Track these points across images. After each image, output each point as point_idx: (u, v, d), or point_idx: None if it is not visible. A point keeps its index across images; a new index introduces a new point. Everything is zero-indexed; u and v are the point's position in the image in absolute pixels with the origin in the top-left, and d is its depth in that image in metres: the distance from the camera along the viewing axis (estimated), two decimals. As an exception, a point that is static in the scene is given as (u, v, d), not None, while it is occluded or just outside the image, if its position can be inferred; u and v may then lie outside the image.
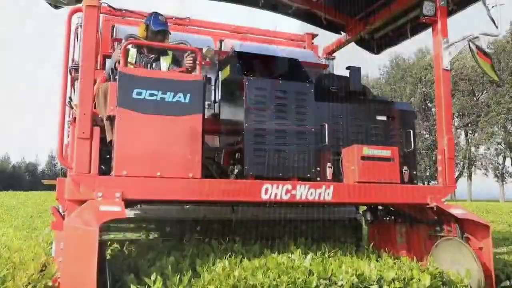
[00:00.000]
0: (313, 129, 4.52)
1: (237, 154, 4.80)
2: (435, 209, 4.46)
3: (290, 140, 4.42)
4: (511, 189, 50.78)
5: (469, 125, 48.32)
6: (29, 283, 3.36)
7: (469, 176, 48.49)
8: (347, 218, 6.10)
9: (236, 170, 4.40)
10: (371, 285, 3.52)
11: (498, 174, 48.07)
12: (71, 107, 4.63)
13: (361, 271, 3.61)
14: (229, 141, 4.85)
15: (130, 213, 5.10)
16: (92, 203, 3.31)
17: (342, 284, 3.44)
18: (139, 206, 5.16)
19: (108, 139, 3.97)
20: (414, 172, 4.97)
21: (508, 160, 47.71)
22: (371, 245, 5.23)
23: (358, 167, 4.36)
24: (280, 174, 4.33)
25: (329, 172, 4.61)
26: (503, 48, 42.13)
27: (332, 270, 3.56)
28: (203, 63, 4.07)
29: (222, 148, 5.13)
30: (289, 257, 3.93)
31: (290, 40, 7.27)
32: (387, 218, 5.27)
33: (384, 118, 4.98)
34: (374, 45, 6.59)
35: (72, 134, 3.97)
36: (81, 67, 3.53)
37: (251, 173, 4.23)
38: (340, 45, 6.82)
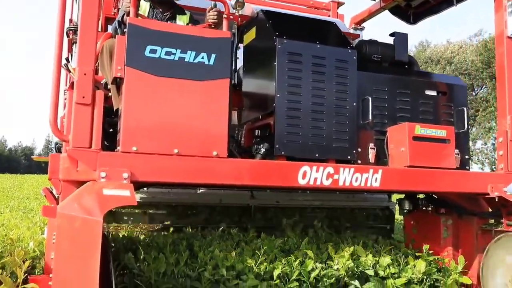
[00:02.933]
0: (354, 104, 3.82)
1: (263, 131, 4.13)
2: (496, 199, 3.79)
3: (328, 115, 3.72)
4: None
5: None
6: (27, 259, 3.17)
7: (466, 171, 48.07)
8: (377, 207, 5.46)
9: (263, 150, 3.72)
10: (367, 269, 3.54)
11: (494, 169, 47.68)
12: (68, 71, 3.90)
13: (357, 256, 3.65)
14: (252, 116, 4.15)
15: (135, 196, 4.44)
16: (93, 185, 2.61)
17: (338, 268, 3.47)
18: (145, 189, 4.49)
19: (115, 107, 3.27)
20: (467, 157, 4.29)
21: (505, 155, 47.22)
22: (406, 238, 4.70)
23: (409, 149, 3.67)
24: (317, 155, 3.64)
25: (371, 154, 3.93)
26: None
27: (328, 254, 3.60)
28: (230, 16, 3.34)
29: (243, 125, 4.44)
30: (286, 241, 3.91)
31: (313, 7, 6.56)
32: (430, 208, 4.61)
33: (434, 93, 4.27)
34: (411, 13, 5.82)
35: (70, 102, 3.26)
36: (82, 13, 2.81)
37: (282, 153, 3.55)
38: (371, 14, 6.05)
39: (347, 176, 3.38)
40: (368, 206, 5.40)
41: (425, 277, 3.73)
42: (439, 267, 4.00)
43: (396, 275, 3.64)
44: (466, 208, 4.23)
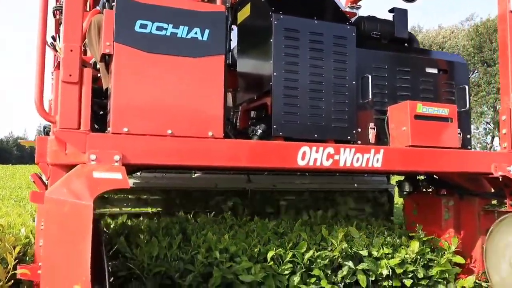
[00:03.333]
0: (354, 82, 3.68)
1: (259, 112, 3.99)
2: (500, 179, 3.69)
3: (327, 94, 3.58)
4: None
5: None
6: (17, 245, 3.06)
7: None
8: (376, 189, 5.36)
9: (259, 131, 3.58)
10: (360, 250, 3.53)
11: (486, 153, 47.68)
12: (55, 50, 3.72)
13: (351, 237, 3.66)
14: (248, 97, 4.00)
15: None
16: (82, 168, 2.47)
17: (331, 249, 3.46)
18: (138, 174, 4.35)
19: (104, 86, 3.11)
20: (468, 136, 4.17)
21: (496, 139, 47.34)
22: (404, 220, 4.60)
23: (410, 128, 3.54)
24: (315, 135, 3.51)
25: (372, 134, 3.80)
26: (494, 29, 40.88)
27: (322, 236, 3.59)
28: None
29: (238, 106, 4.30)
30: (279, 224, 3.89)
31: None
32: (430, 190, 4.51)
33: (434, 71, 4.14)
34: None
35: (56, 82, 3.09)
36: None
37: (280, 133, 3.41)
38: (367, -8, 5.91)
39: (348, 157, 3.26)
40: (367, 188, 5.30)
41: (418, 257, 3.72)
42: (433, 247, 3.97)
43: (390, 256, 3.64)
44: (468, 189, 4.13)
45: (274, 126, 3.41)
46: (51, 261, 2.15)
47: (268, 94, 3.51)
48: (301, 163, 3.11)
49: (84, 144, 2.59)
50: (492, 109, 44.26)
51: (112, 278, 2.48)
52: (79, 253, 2.09)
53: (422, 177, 4.63)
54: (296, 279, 3.31)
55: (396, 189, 5.05)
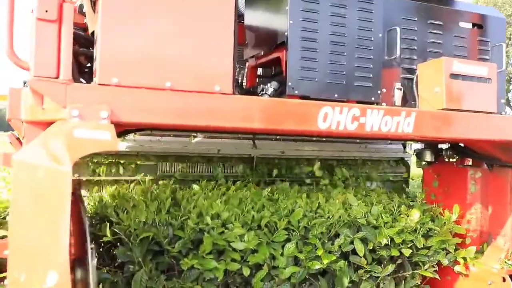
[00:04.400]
0: (380, 35, 3.20)
1: (271, 68, 3.53)
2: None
3: (350, 48, 3.09)
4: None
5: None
6: None
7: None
8: (391, 158, 4.95)
9: (271, 89, 3.12)
10: (359, 218, 3.41)
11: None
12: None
13: (349, 205, 3.54)
14: (258, 51, 3.52)
15: (120, 145, 3.85)
16: (61, 126, 2.01)
17: (328, 217, 3.35)
18: (132, 136, 3.90)
19: (90, 30, 2.62)
20: (502, 101, 3.71)
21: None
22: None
23: (445, 89, 3.09)
24: (336, 95, 3.04)
25: (398, 95, 3.33)
26: (494, 3, 39.53)
27: (319, 203, 3.47)
28: None
29: (244, 62, 3.81)
30: (275, 191, 3.72)
31: None
32: (455, 159, 4.10)
33: (469, 26, 3.65)
34: None
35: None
36: None
37: (296, 92, 2.94)
38: None
39: (375, 120, 2.81)
40: (381, 157, 4.88)
41: (418, 226, 3.57)
42: (434, 216, 3.81)
43: (389, 224, 3.51)
44: (500, 159, 3.72)
45: (289, 83, 2.93)
46: (20, 240, 1.72)
47: (282, 47, 3.03)
48: (322, 126, 2.67)
49: (64, 96, 2.12)
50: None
51: (93, 247, 2.06)
52: (55, 231, 1.66)
53: (445, 145, 4.21)
54: (291, 247, 3.17)
55: (414, 158, 4.64)
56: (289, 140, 4.47)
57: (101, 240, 2.83)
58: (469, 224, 3.84)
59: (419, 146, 4.63)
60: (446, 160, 4.17)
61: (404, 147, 5.04)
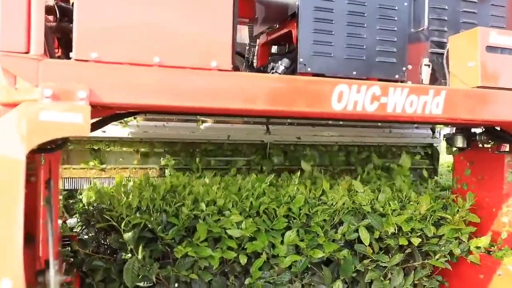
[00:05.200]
0: (406, 3, 2.82)
1: (282, 45, 3.20)
2: None
3: (370, 19, 2.74)
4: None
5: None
6: None
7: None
8: (419, 144, 4.56)
9: (281, 67, 2.81)
10: (364, 205, 3.24)
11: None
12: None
13: (354, 191, 3.38)
14: (268, 25, 3.19)
15: (122, 131, 3.59)
16: (26, 107, 1.73)
17: (332, 204, 3.20)
18: (135, 122, 3.64)
19: None
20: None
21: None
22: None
23: (480, 64, 2.69)
24: (354, 73, 2.70)
25: (425, 72, 2.96)
26: None
27: (323, 190, 3.31)
28: None
29: (255, 39, 3.49)
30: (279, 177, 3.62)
31: None
32: (490, 145, 3.69)
33: (506, -7, 3.23)
34: None
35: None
36: None
37: (308, 69, 2.61)
38: None
39: (399, 99, 2.46)
40: (407, 143, 4.50)
41: (429, 214, 3.37)
42: (446, 203, 3.61)
43: (397, 212, 3.31)
44: (541, 145, 3.30)
45: (301, 60, 2.60)
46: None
47: (293, 19, 2.70)
48: (336, 107, 2.33)
49: (36, 74, 1.84)
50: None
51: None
52: (7, 232, 1.39)
53: (478, 129, 3.80)
54: (292, 235, 3.04)
55: (444, 144, 4.24)
56: (306, 125, 4.14)
57: (96, 227, 2.86)
58: (507, 216, 3.45)
59: (449, 130, 4.23)
60: (480, 145, 3.76)
61: (433, 132, 4.64)
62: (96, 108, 2.25)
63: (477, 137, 3.71)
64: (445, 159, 5.07)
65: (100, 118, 2.69)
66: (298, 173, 3.50)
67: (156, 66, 2.01)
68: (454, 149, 3.96)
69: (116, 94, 1.94)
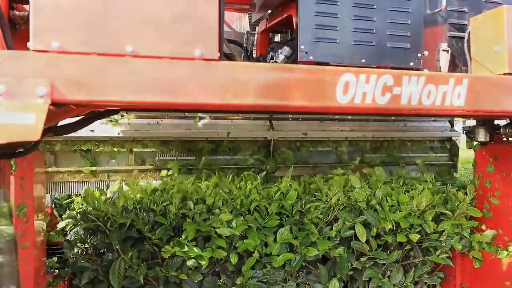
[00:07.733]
0: (421, -19, 2.50)
1: (282, 31, 2.90)
2: None
3: (379, 1, 2.42)
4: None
5: None
6: None
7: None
8: (436, 138, 4.23)
9: (281, 56, 2.52)
10: (360, 202, 3.18)
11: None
12: None
13: (350, 187, 3.33)
14: (266, 10, 2.89)
15: (113, 130, 3.33)
16: (-33, 108, 1.46)
17: (327, 200, 3.15)
18: (126, 120, 3.38)
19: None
20: None
21: None
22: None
23: (508, 48, 2.36)
24: (363, 61, 2.39)
25: (444, 58, 2.63)
26: None
27: (318, 187, 3.30)
28: None
29: (254, 27, 3.20)
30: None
31: None
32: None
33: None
34: None
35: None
36: None
37: (310, 57, 2.31)
38: None
39: (414, 90, 2.14)
40: (424, 137, 4.17)
41: (428, 209, 3.29)
42: (445, 198, 3.52)
43: (394, 208, 3.25)
44: None
45: (302, 47, 2.30)
46: None
47: (294, 2, 2.40)
48: (341, 99, 2.02)
49: (-14, 68, 1.58)
50: None
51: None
52: None
53: (502, 121, 3.47)
54: (284, 232, 2.99)
55: (464, 137, 3.92)
56: (313, 119, 3.83)
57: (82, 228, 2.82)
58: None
59: (468, 122, 3.90)
60: (505, 139, 3.44)
61: (452, 124, 4.31)
62: (68, 107, 1.99)
63: (501, 129, 3.40)
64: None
65: (83, 116, 2.45)
66: (291, 169, 3.39)
67: (129, 56, 1.72)
68: (476, 143, 3.64)
69: (83, 90, 1.66)
